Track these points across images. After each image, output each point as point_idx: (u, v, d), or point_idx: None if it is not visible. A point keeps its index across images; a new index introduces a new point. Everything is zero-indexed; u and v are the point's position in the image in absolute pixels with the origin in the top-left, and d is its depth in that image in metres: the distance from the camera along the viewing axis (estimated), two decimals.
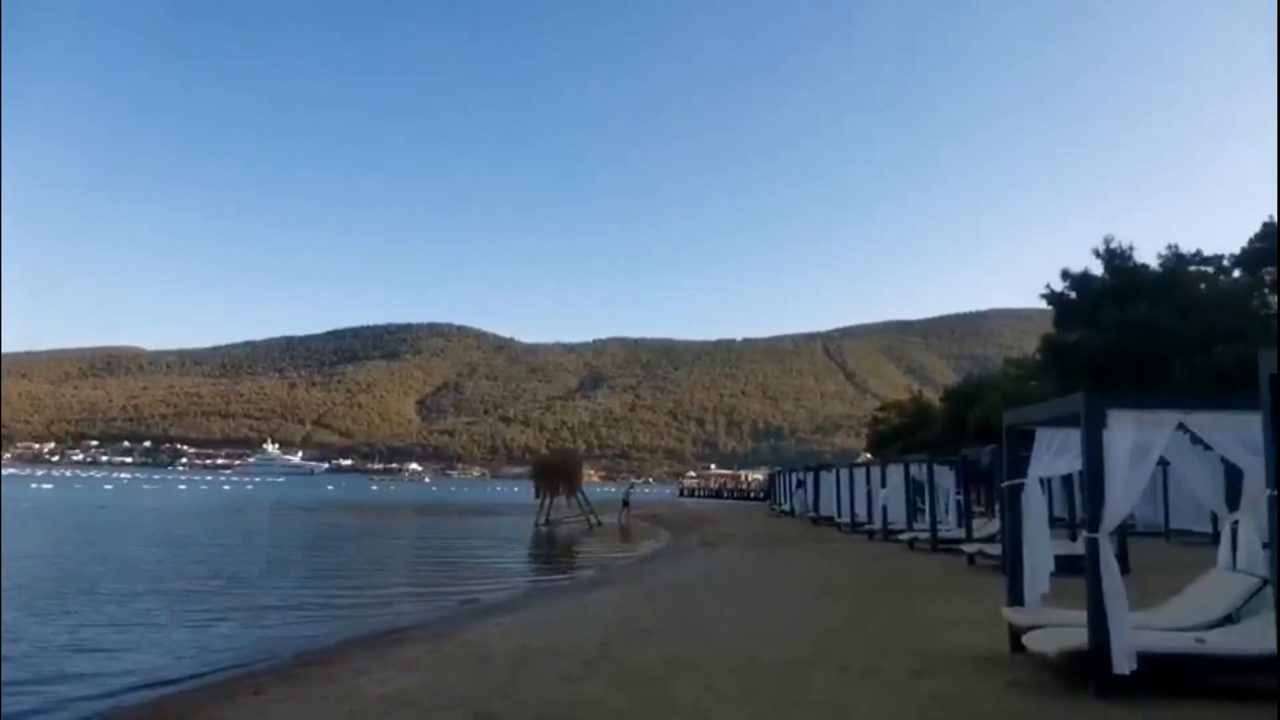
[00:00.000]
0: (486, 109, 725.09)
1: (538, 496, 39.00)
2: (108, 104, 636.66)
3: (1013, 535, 8.01)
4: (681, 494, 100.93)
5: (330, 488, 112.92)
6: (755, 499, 73.66)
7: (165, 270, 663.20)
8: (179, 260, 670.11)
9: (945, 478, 22.96)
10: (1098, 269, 32.69)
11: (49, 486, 78.30)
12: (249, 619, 12.40)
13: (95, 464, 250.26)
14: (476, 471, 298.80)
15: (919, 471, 23.54)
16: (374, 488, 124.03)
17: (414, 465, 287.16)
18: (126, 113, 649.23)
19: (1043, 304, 35.25)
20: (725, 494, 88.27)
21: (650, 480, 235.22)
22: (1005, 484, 8.41)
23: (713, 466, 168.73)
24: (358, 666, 7.77)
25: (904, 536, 21.63)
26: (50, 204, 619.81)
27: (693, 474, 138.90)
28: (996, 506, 19.60)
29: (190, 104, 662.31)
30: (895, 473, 24.63)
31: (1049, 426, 7.79)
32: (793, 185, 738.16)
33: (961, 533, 19.35)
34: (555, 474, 40.05)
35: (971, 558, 16.30)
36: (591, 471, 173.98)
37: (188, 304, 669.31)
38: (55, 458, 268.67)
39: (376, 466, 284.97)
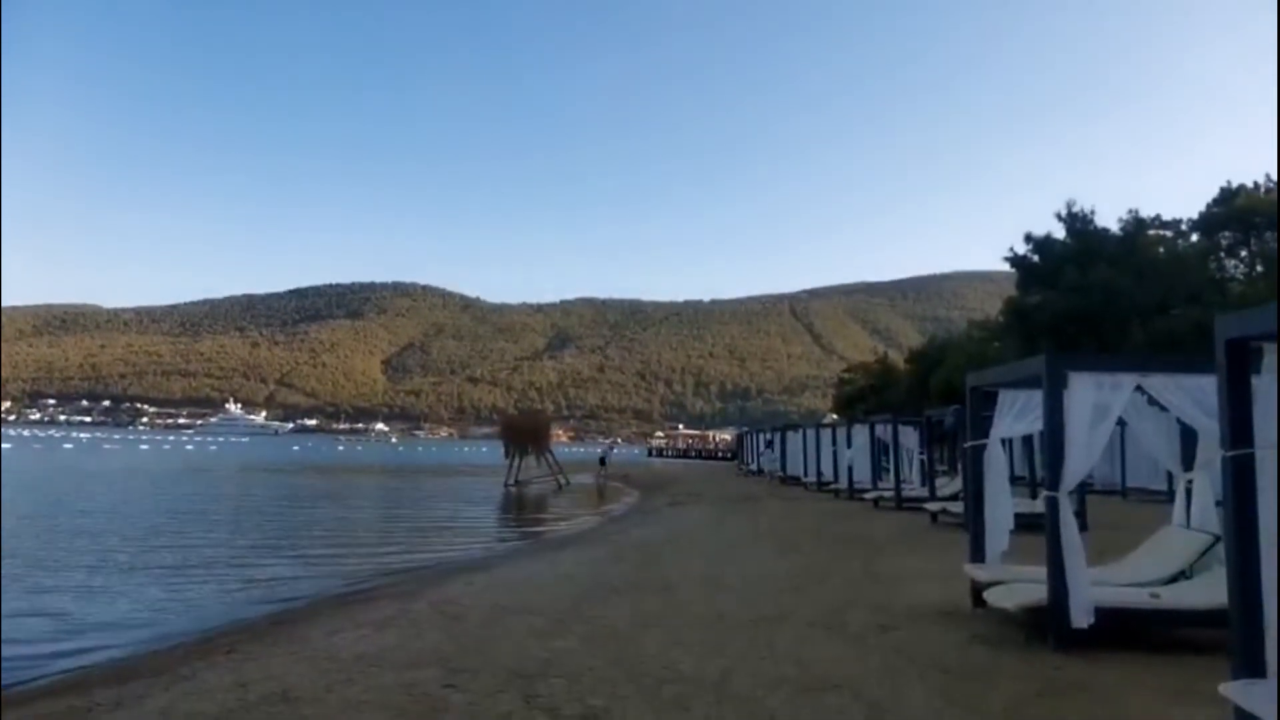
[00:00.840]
0: (453, 66, 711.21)
1: (507, 457, 39.00)
2: (65, 58, 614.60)
3: (975, 494, 8.21)
4: (650, 454, 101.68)
5: (296, 448, 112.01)
6: (723, 459, 74.42)
7: (121, 225, 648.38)
8: (135, 215, 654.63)
9: (909, 438, 23.33)
10: (1060, 232, 33.10)
11: (7, 446, 76.65)
12: (221, 580, 12.36)
13: (53, 423, 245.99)
14: (444, 432, 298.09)
15: (884, 432, 23.90)
16: (340, 448, 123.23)
17: (380, 425, 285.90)
18: (84, 67, 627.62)
19: (1005, 266, 35.67)
20: (693, 454, 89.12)
21: (619, 440, 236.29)
22: (968, 444, 8.58)
23: (680, 427, 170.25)
24: (330, 626, 7.79)
25: (869, 495, 22.01)
26: (10, 155, 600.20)
27: (661, 434, 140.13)
28: (959, 466, 20.00)
29: (151, 58, 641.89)
30: (861, 433, 24.99)
31: (1011, 388, 7.95)
32: (761, 146, 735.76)
33: (925, 492, 19.74)
34: (524, 434, 40.02)
35: (935, 516, 16.65)
36: (560, 432, 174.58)
37: (144, 260, 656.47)
38: (12, 417, 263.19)
39: (342, 427, 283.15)
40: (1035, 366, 6.82)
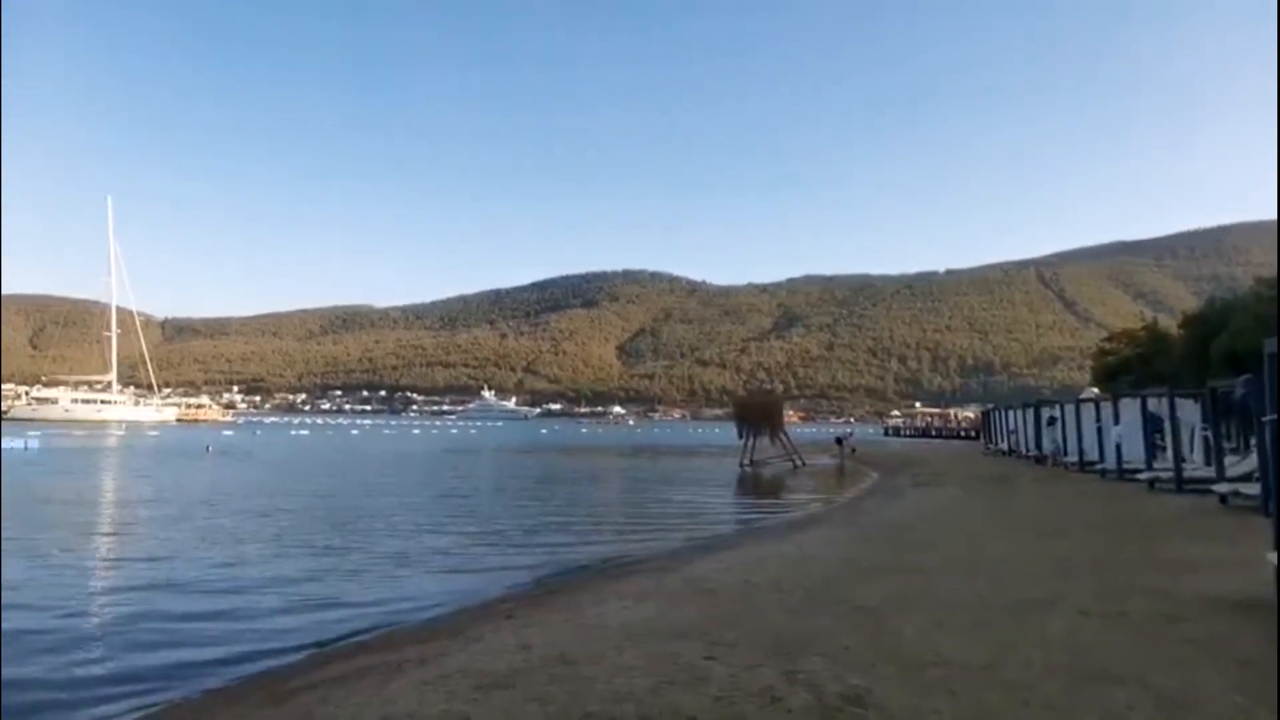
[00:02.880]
0: (669, 51, 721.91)
1: (741, 437, 39.34)
2: (327, 89, 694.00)
3: (1277, 474, 7.31)
4: (886, 433, 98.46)
5: (544, 431, 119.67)
6: (966, 438, 70.57)
7: (387, 234, 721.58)
8: (398, 224, 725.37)
9: (1189, 412, 20.93)
10: None
11: (305, 433, 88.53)
12: (496, 551, 13.63)
13: (341, 412, 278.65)
14: (677, 413, 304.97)
15: (1157, 406, 21.63)
16: (584, 431, 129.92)
17: (618, 408, 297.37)
18: (343, 94, 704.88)
19: None
20: (933, 433, 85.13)
21: (851, 420, 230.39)
22: (1267, 418, 7.65)
23: (917, 405, 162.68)
24: (596, 596, 8.37)
25: (1143, 476, 20.03)
26: (297, 181, 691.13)
27: (897, 413, 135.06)
28: (1252, 443, 17.74)
29: (400, 78, 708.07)
30: (1130, 407, 22.78)
31: None
32: (992, 97, 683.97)
33: (1211, 471, 17.72)
34: (757, 415, 40.17)
35: (1224, 498, 14.93)
36: (790, 412, 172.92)
37: (408, 264, 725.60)
38: (307, 407, 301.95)
39: (583, 410, 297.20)
40: None
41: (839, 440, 42.30)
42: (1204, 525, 12.87)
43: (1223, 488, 15.35)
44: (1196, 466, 19.42)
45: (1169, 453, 20.45)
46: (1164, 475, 19.24)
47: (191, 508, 19.38)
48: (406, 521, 17.43)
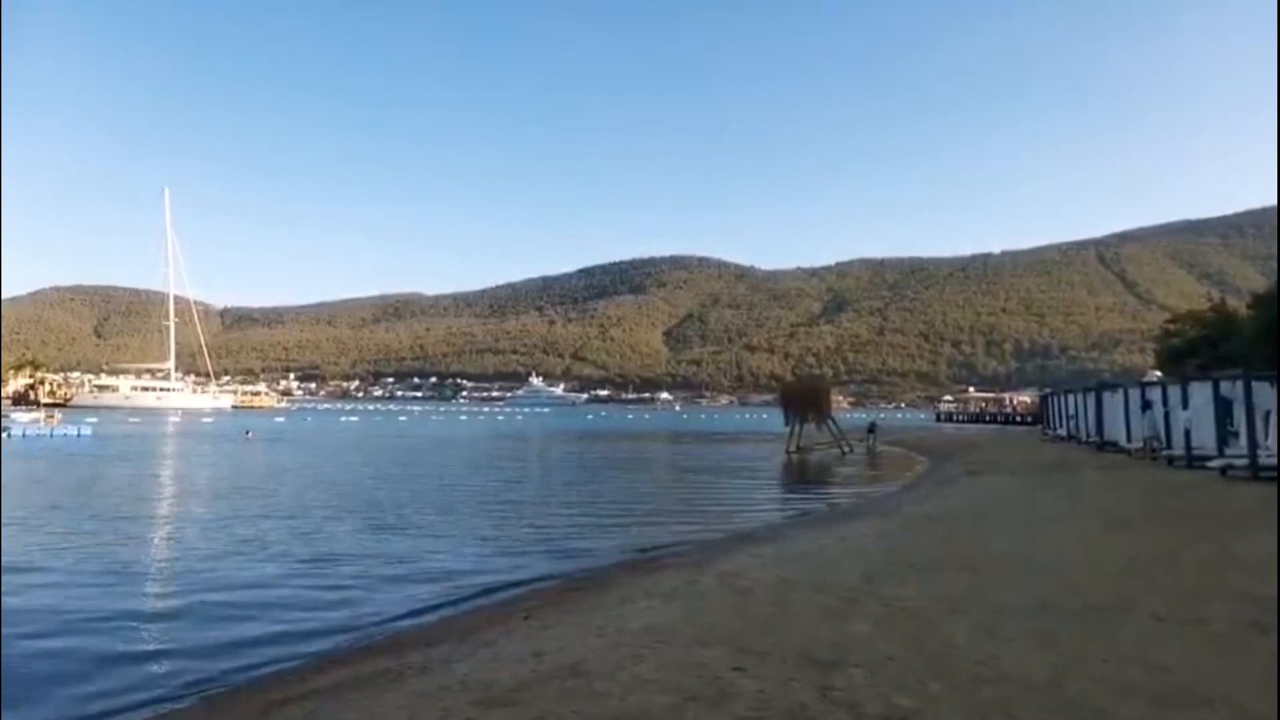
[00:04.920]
0: (721, 38, 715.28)
1: (787, 424, 38.59)
2: (377, 81, 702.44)
3: None
4: (938, 419, 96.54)
5: (590, 417, 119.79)
6: (1022, 423, 68.64)
7: (437, 223, 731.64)
8: (448, 214, 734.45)
9: (1265, 396, 19.66)
10: None
11: (354, 419, 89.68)
12: (523, 541, 13.19)
13: (391, 398, 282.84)
14: (724, 399, 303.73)
15: (1229, 389, 20.40)
16: (630, 417, 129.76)
17: (665, 394, 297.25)
18: (394, 87, 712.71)
19: None
20: (987, 418, 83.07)
21: (902, 405, 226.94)
22: None
23: (970, 389, 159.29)
24: (621, 594, 7.86)
25: (1214, 464, 18.93)
26: (351, 174, 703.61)
27: (949, 398, 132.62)
28: None
29: (448, 70, 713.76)
30: (1200, 391, 21.56)
31: None
32: (1054, 77, 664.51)
33: None
34: (804, 400, 39.36)
35: None
36: (840, 398, 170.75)
37: (458, 252, 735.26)
38: (360, 394, 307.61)
39: (630, 396, 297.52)
40: None
41: (872, 427, 41.33)
42: None
43: None
44: (1272, 453, 18.25)
45: (1242, 438, 19.28)
46: (1238, 462, 18.14)
47: (208, 494, 19.38)
48: (417, 515, 16.60)
